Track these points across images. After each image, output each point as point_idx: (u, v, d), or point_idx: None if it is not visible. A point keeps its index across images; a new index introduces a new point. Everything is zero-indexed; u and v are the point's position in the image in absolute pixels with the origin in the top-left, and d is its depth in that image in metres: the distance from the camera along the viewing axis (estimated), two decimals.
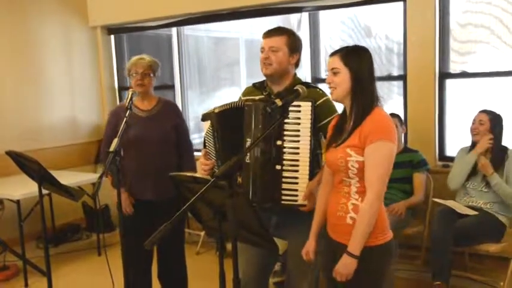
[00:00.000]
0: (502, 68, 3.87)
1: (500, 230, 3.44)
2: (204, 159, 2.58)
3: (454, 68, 4.04)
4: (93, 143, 5.81)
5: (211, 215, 1.97)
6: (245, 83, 5.53)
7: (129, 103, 2.74)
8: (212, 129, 2.52)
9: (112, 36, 5.96)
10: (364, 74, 2.06)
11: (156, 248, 3.20)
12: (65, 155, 5.50)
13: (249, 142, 2.38)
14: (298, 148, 2.33)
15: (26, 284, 4.11)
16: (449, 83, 4.05)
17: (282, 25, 2.60)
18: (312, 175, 2.35)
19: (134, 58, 3.09)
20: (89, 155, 5.77)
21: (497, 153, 3.49)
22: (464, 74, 4.02)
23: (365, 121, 2.03)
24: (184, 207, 1.76)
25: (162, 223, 1.70)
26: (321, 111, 2.39)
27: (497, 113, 3.55)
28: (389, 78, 4.38)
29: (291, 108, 2.20)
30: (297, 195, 2.35)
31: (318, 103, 2.37)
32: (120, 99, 6.00)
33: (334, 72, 2.09)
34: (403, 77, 4.18)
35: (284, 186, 2.36)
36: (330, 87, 2.12)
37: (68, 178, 4.17)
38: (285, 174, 2.35)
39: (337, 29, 4.77)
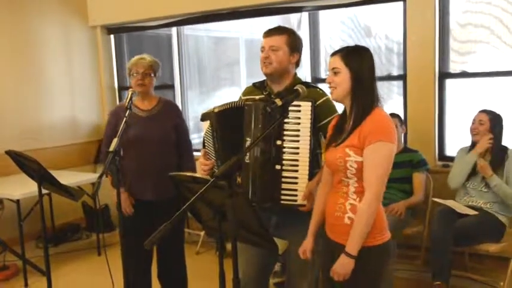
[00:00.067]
0: (502, 68, 3.87)
1: (500, 230, 3.44)
2: (203, 159, 2.58)
3: (454, 67, 4.04)
4: (93, 143, 5.81)
5: (211, 215, 1.97)
6: (245, 83, 5.53)
7: (128, 103, 2.74)
8: (211, 129, 2.51)
9: (112, 36, 5.96)
10: (365, 74, 2.06)
11: (155, 248, 3.20)
12: (64, 154, 5.50)
13: (248, 142, 2.38)
14: (298, 148, 2.33)
15: (26, 284, 4.11)
16: (449, 83, 4.05)
17: (282, 25, 2.60)
18: (311, 175, 2.35)
19: (135, 58, 3.08)
20: (88, 154, 5.77)
21: (497, 153, 3.49)
22: (464, 74, 4.02)
23: (365, 121, 2.03)
24: (184, 207, 1.76)
25: (162, 223, 1.70)
26: (321, 111, 2.39)
27: (497, 113, 3.55)
28: (389, 78, 4.38)
29: (291, 108, 2.20)
30: (296, 195, 2.35)
31: (318, 103, 2.37)
32: (120, 99, 6.01)
33: (334, 72, 2.09)
34: (403, 77, 4.18)
35: (284, 186, 2.35)
36: (330, 87, 2.12)
37: (67, 178, 4.17)
38: (284, 174, 2.35)
39: (337, 29, 4.77)
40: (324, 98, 2.44)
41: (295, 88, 2.20)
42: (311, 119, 2.30)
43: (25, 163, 2.98)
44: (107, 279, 2.80)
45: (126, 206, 3.02)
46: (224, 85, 5.97)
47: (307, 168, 2.33)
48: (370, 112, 2.04)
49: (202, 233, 4.76)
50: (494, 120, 3.52)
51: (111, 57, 6.00)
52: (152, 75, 3.06)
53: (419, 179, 3.72)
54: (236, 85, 5.75)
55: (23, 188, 4.06)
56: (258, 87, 2.58)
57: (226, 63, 6.05)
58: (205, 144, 2.59)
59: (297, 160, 2.33)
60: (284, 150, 2.34)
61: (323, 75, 4.62)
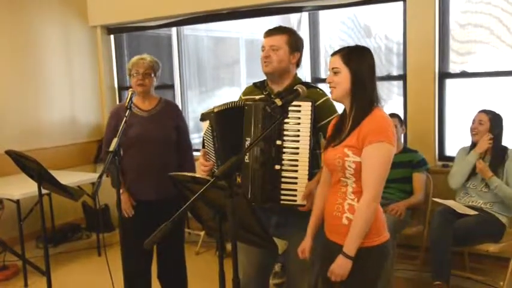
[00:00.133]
0: (501, 68, 3.87)
1: (500, 230, 3.44)
2: (203, 159, 2.58)
3: (453, 68, 4.04)
4: (93, 143, 5.81)
5: (211, 215, 1.97)
6: (245, 83, 5.54)
7: (128, 103, 2.74)
8: (211, 129, 2.51)
9: (112, 36, 5.96)
10: (364, 74, 2.05)
11: (155, 248, 3.20)
12: (64, 154, 5.50)
13: (248, 142, 2.38)
14: (297, 148, 2.33)
15: (26, 284, 4.11)
16: (449, 82, 4.05)
17: (282, 25, 2.60)
18: (311, 175, 2.35)
19: (135, 58, 3.08)
20: (88, 154, 5.77)
21: (497, 153, 3.49)
22: (464, 74, 4.02)
23: (364, 121, 2.03)
24: (184, 207, 1.76)
25: (162, 223, 1.70)
26: (321, 111, 2.39)
27: (497, 112, 3.55)
28: (389, 78, 4.38)
29: (291, 108, 2.20)
30: (296, 195, 2.35)
31: (318, 103, 2.37)
32: (120, 99, 6.01)
33: (334, 71, 2.09)
34: (402, 77, 4.18)
35: (283, 186, 2.35)
36: (330, 87, 2.12)
37: (67, 178, 4.17)
38: (284, 174, 2.35)
39: (337, 29, 4.77)
40: (324, 98, 2.44)
41: (295, 88, 2.20)
42: (311, 119, 2.30)
43: (25, 163, 2.98)
44: (107, 279, 2.80)
45: (126, 207, 3.03)
46: (224, 85, 5.97)
47: (307, 168, 2.33)
48: (370, 112, 2.04)
49: (202, 233, 4.76)
50: (494, 120, 3.52)
51: (111, 57, 6.00)
52: (152, 75, 3.06)
53: (419, 179, 3.72)
54: (236, 85, 5.75)
55: (23, 188, 4.06)
56: (258, 87, 2.59)
57: (226, 63, 6.05)
58: (205, 144, 2.59)
59: (296, 160, 2.33)
60: (284, 150, 2.34)
61: (323, 75, 4.62)
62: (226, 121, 2.46)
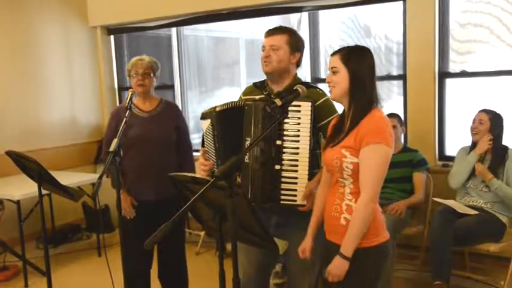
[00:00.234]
0: (501, 68, 3.87)
1: (501, 230, 3.44)
2: (203, 158, 2.58)
3: (453, 67, 4.04)
4: (93, 143, 5.81)
5: (211, 215, 1.97)
6: (245, 83, 5.53)
7: (129, 103, 2.74)
8: (212, 128, 2.51)
9: (112, 37, 5.96)
10: (363, 74, 2.05)
11: (156, 248, 3.20)
12: (64, 155, 5.50)
13: (248, 142, 2.38)
14: (297, 148, 2.33)
15: (26, 285, 4.12)
16: (449, 82, 4.05)
17: (282, 25, 2.60)
18: (311, 175, 2.35)
19: (134, 59, 3.10)
20: (88, 155, 5.77)
21: (497, 152, 3.49)
22: (464, 74, 4.02)
23: (362, 122, 2.02)
24: (184, 207, 1.76)
25: (163, 223, 1.70)
26: (321, 111, 2.39)
27: (497, 112, 3.55)
28: (389, 78, 4.38)
29: (291, 108, 2.20)
30: (296, 195, 2.35)
31: (317, 103, 2.37)
32: (120, 100, 6.01)
33: (333, 71, 2.09)
34: (402, 77, 4.18)
35: (283, 186, 2.35)
36: (329, 86, 2.12)
37: (67, 178, 4.17)
38: (284, 174, 2.35)
39: (337, 29, 4.77)
40: (324, 98, 2.44)
41: (295, 88, 2.20)
42: (311, 119, 2.30)
43: (25, 163, 2.98)
44: (107, 279, 2.81)
45: (126, 206, 3.03)
46: (224, 85, 5.97)
47: (307, 168, 2.33)
48: (368, 113, 2.03)
49: (202, 233, 4.76)
50: (494, 120, 3.52)
51: (111, 58, 5.99)
52: (152, 75, 3.07)
53: (419, 178, 3.72)
54: (236, 85, 5.75)
55: (23, 188, 4.06)
56: (258, 86, 2.59)
57: (226, 63, 6.05)
58: (205, 142, 2.59)
59: (296, 160, 2.33)
60: (284, 150, 2.34)
61: (323, 75, 4.62)
62: (227, 121, 2.46)
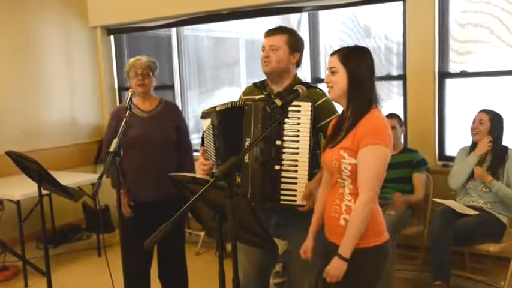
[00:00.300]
0: (501, 68, 3.87)
1: (501, 230, 3.44)
2: (202, 158, 2.58)
3: (453, 67, 4.04)
4: (93, 144, 5.81)
5: (211, 215, 1.97)
6: (245, 83, 5.54)
7: (128, 103, 2.75)
8: (213, 127, 2.51)
9: (112, 37, 5.96)
10: (362, 74, 2.05)
11: (156, 248, 3.20)
12: (64, 155, 5.50)
13: (248, 142, 2.38)
14: (297, 148, 2.33)
15: (26, 285, 4.12)
16: (449, 82, 4.05)
17: (282, 25, 2.60)
18: (311, 175, 2.35)
19: (132, 59, 3.10)
20: (88, 155, 5.77)
21: (497, 153, 3.49)
22: (463, 74, 4.02)
23: (360, 123, 2.02)
24: (184, 207, 1.76)
25: (163, 223, 1.70)
26: (321, 111, 2.39)
27: (498, 112, 3.55)
28: (389, 78, 4.38)
29: (291, 108, 2.20)
30: (295, 195, 2.35)
31: (317, 103, 2.37)
32: (120, 100, 6.01)
33: (332, 71, 2.08)
34: (402, 77, 4.18)
35: (283, 186, 2.36)
36: (328, 86, 2.12)
37: (67, 178, 4.17)
38: (284, 174, 2.35)
39: (337, 29, 4.77)
40: (324, 99, 2.44)
41: (295, 88, 2.20)
42: (311, 119, 2.30)
43: (25, 164, 2.98)
44: (107, 279, 2.80)
45: (122, 206, 3.02)
46: (224, 85, 5.97)
47: (307, 168, 2.33)
48: (366, 113, 2.03)
49: (202, 233, 4.76)
50: (494, 120, 3.52)
51: (111, 58, 5.99)
52: (151, 74, 3.07)
53: (419, 178, 3.72)
54: (236, 85, 5.75)
55: (23, 188, 4.06)
56: (258, 87, 2.59)
57: (226, 64, 6.05)
58: (205, 142, 2.59)
59: (296, 160, 2.33)
60: (284, 150, 2.34)
61: (323, 76, 4.62)
62: (227, 120, 2.46)
